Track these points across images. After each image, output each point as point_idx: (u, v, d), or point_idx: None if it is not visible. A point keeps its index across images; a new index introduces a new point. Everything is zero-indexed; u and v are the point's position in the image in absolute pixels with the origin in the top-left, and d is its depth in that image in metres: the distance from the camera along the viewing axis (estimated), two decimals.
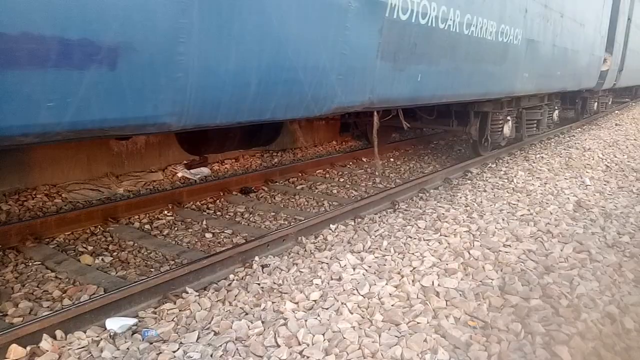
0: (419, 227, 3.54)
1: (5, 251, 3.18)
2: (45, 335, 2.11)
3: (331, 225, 3.67)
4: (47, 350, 2.06)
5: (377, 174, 5.76)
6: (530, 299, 2.43)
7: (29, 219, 3.72)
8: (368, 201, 4.17)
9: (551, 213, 3.90)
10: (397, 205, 4.30)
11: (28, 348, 2.04)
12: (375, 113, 4.69)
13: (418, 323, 2.18)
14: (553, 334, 2.11)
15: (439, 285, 2.57)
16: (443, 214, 3.85)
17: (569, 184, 4.96)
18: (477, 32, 4.58)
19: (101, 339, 2.17)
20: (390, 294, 2.46)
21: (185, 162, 5.52)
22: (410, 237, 3.31)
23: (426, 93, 4.23)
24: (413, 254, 2.99)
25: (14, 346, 2.03)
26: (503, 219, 3.70)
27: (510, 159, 6.54)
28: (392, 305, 2.35)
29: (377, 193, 4.48)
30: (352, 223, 3.81)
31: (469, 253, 2.98)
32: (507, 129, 6.51)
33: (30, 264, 3.08)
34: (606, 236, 3.41)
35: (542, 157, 6.56)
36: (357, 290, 2.49)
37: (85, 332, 2.23)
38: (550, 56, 6.66)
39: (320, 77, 2.94)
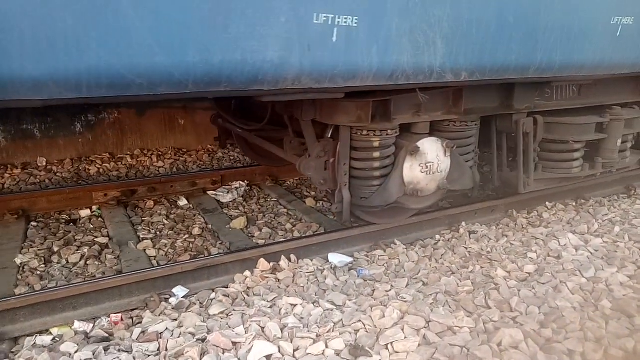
0: None
1: (252, 187, 3.92)
2: (283, 257, 2.57)
3: (547, 203, 3.38)
4: (285, 269, 2.50)
5: None
6: None
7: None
8: (594, 182, 3.67)
9: None
10: (633, 191, 3.67)
11: (271, 264, 2.52)
12: None
13: None
14: None
15: None
16: None
17: None
18: None
19: (324, 268, 2.52)
20: (621, 283, 2.18)
21: None
22: None
23: None
24: None
25: (262, 260, 2.53)
26: None
27: None
28: (624, 296, 2.09)
29: (606, 174, 3.89)
30: (574, 204, 3.43)
31: None
32: (395, 184, 2.60)
33: (268, 199, 3.73)
34: None
35: None
36: (579, 271, 2.28)
37: (312, 260, 2.62)
38: None
39: None
